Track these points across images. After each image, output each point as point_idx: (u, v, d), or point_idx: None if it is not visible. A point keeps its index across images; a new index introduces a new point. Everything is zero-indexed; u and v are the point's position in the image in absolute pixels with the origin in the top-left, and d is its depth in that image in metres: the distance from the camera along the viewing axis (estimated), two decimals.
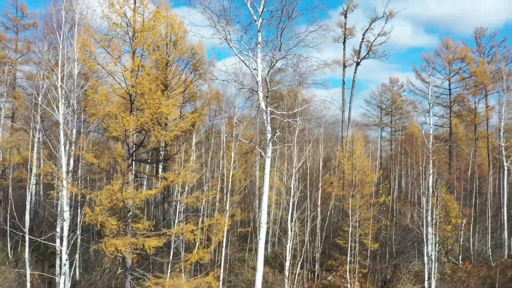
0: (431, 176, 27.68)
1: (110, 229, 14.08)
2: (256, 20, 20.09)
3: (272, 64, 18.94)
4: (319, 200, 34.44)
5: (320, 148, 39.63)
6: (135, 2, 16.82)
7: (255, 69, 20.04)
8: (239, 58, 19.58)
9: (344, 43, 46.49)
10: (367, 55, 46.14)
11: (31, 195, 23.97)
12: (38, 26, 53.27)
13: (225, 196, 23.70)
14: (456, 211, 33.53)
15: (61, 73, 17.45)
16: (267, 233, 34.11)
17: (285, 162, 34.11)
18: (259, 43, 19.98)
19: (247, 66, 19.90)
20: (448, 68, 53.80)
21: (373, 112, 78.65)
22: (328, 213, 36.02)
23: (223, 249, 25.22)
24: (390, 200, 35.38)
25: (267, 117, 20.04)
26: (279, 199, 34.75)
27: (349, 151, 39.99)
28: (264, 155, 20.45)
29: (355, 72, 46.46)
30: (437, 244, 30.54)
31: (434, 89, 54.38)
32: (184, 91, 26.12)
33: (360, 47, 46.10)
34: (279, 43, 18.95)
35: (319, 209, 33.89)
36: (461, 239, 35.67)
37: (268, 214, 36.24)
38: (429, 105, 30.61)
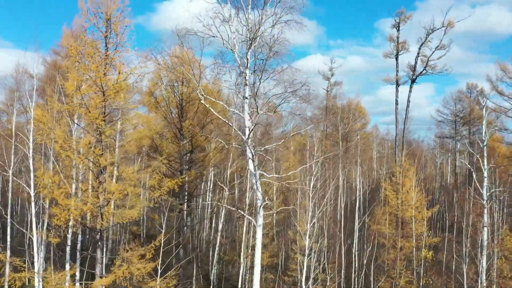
0: (485, 229, 23.04)
1: None
2: (243, 72, 17.80)
3: (252, 128, 16.45)
4: (355, 244, 30.78)
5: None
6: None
7: (247, 125, 17.75)
8: (220, 117, 17.42)
9: (396, 58, 41.78)
10: (424, 71, 40.91)
11: None
12: None
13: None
14: None
15: (32, 143, 16.76)
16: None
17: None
18: (246, 97, 17.64)
19: (230, 125, 17.70)
20: None
21: (447, 123, 71.10)
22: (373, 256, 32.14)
23: None
24: (431, 254, 30.50)
25: (256, 181, 17.63)
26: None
27: (399, 183, 35.71)
28: (255, 223, 18.07)
29: (410, 91, 41.52)
30: None
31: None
32: (191, 138, 24.53)
33: (416, 62, 41.06)
34: (256, 105, 16.42)
35: (355, 255, 30.30)
36: None
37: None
38: (483, 143, 25.67)
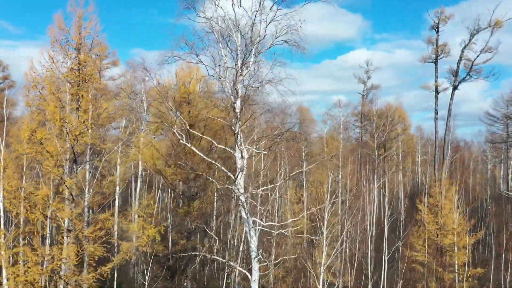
0: None
1: None
2: (233, 103, 15.31)
3: (238, 173, 13.94)
4: (383, 279, 27.37)
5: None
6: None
7: (238, 165, 15.27)
8: (205, 158, 15.06)
9: (435, 63, 37.53)
10: (468, 77, 36.42)
11: None
12: (119, 64, 55.22)
13: None
14: None
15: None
16: None
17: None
18: (237, 133, 15.14)
19: (218, 166, 15.26)
20: None
21: (498, 126, 64.74)
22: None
23: None
24: None
25: (249, 230, 15.13)
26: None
27: (436, 204, 31.86)
28: (250, 277, 15.59)
29: (451, 99, 37.13)
30: None
31: None
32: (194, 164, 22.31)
33: (458, 67, 36.62)
34: (240, 151, 13.87)
35: None
36: None
37: None
38: None
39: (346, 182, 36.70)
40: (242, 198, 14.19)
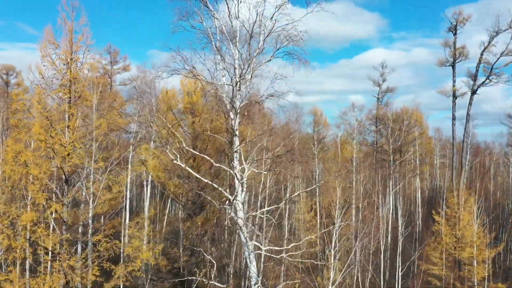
0: None
1: None
2: (232, 119, 14.44)
3: (234, 197, 13.05)
4: None
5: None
6: None
7: (236, 185, 14.40)
8: (201, 179, 14.23)
9: (453, 66, 35.94)
10: (487, 81, 34.75)
11: None
12: (130, 69, 54.77)
13: None
14: None
15: None
16: None
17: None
18: (236, 151, 14.26)
19: (216, 187, 14.41)
20: None
21: None
22: None
23: None
24: None
25: (249, 254, 14.24)
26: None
27: (453, 216, 30.43)
28: None
29: (469, 104, 35.50)
30: None
31: None
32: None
33: (477, 70, 34.98)
34: (235, 172, 12.96)
35: None
36: None
37: None
38: None
39: (359, 188, 35.53)
40: (240, 222, 13.30)
